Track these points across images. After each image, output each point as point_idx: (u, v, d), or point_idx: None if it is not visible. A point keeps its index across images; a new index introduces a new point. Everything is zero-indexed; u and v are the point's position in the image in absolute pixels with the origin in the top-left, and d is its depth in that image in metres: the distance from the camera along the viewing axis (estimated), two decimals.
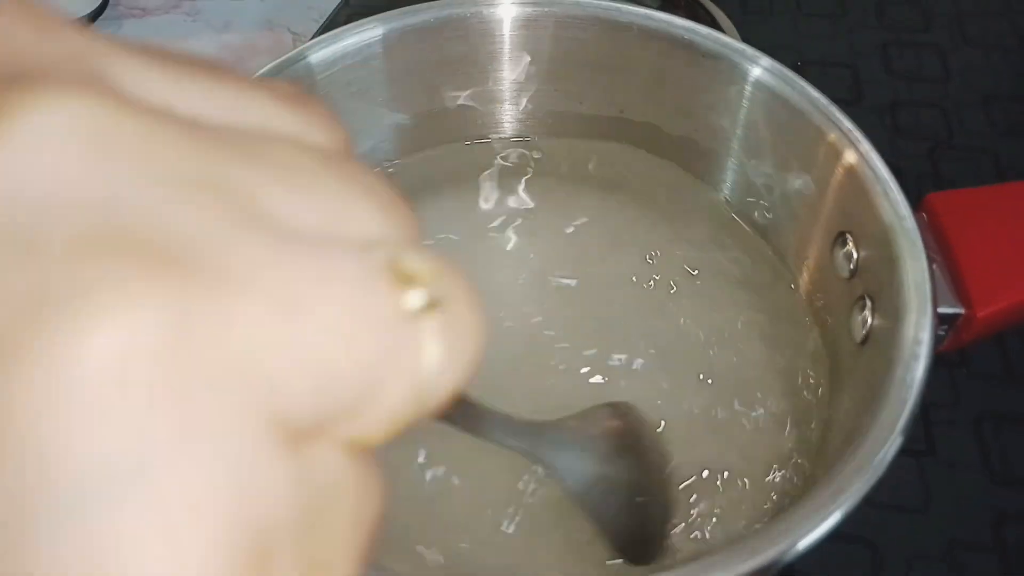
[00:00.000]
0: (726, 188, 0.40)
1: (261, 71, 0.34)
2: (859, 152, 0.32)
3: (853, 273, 0.33)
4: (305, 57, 0.35)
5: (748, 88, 0.36)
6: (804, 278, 0.37)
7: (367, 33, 0.37)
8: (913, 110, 0.60)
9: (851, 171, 0.32)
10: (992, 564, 0.42)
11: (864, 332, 0.31)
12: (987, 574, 0.41)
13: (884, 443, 0.26)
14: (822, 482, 0.26)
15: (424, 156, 0.43)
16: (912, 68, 0.63)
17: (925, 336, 0.27)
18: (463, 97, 0.40)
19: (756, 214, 0.39)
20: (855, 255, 0.32)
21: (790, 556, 0.24)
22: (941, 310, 0.29)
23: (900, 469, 0.44)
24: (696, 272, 0.39)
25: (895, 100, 0.61)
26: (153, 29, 0.76)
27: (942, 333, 0.30)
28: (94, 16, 0.74)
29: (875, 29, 0.66)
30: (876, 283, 0.31)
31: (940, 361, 0.28)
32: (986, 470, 0.44)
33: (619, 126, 0.41)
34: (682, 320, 0.38)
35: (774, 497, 0.34)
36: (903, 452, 0.26)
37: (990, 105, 0.60)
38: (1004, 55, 0.64)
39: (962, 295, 0.29)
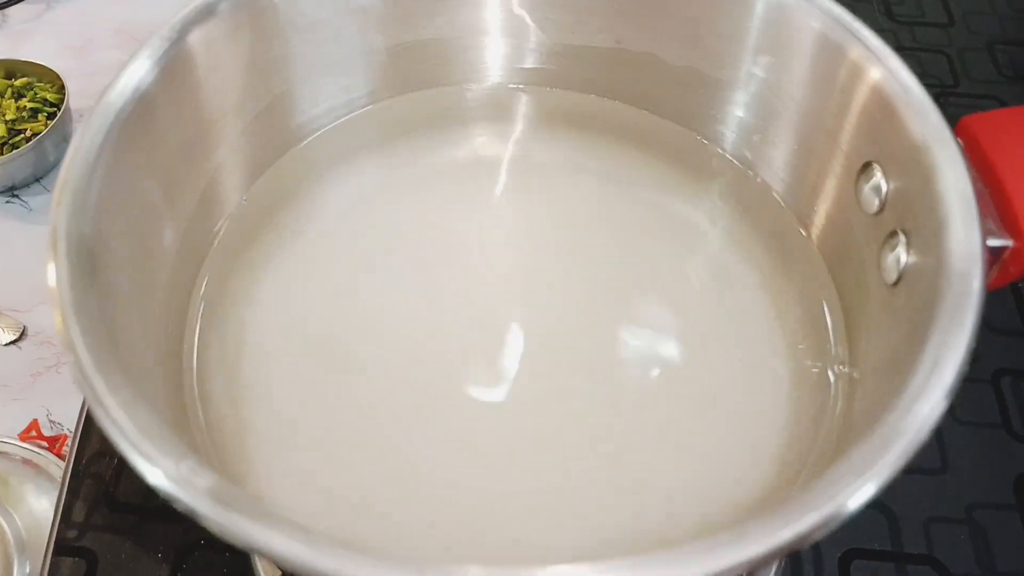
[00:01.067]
0: (732, 126, 0.37)
1: None
2: (886, 68, 0.29)
3: (882, 207, 0.29)
4: None
5: (760, 7, 0.32)
6: (820, 219, 0.34)
7: None
8: (916, 56, 0.57)
9: (877, 90, 0.29)
10: (1014, 525, 0.39)
11: (898, 272, 0.28)
12: (1009, 537, 0.39)
13: (930, 398, 0.23)
14: (854, 449, 0.24)
15: (403, 95, 0.39)
16: (914, 14, 0.60)
17: (976, 268, 0.24)
18: (449, 24, 0.36)
19: (764, 153, 0.36)
20: (884, 186, 0.29)
21: (820, 532, 0.22)
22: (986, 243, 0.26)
23: None
24: (698, 223, 0.36)
25: (898, 46, 0.57)
26: None
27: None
28: None
29: None
30: (911, 215, 0.27)
31: None
32: (1005, 427, 0.42)
33: (616, 57, 0.37)
34: (683, 268, 0.35)
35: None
36: None
37: (995, 50, 0.58)
38: (1008, 0, 0.61)
39: (1009, 225, 0.26)
